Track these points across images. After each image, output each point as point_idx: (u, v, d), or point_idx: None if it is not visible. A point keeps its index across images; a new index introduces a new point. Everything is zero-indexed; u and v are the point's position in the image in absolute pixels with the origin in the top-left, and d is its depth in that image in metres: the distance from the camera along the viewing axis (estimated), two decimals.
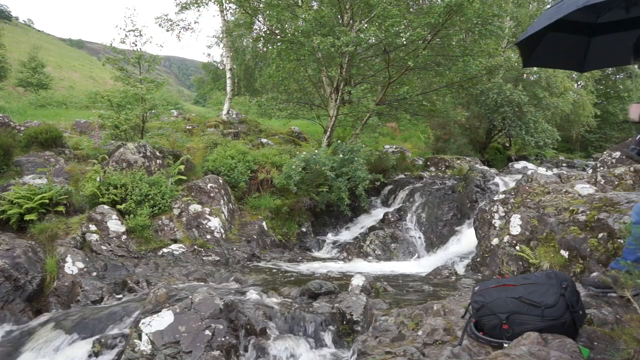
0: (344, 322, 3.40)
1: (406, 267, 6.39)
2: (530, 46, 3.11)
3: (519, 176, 7.63)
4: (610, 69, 27.41)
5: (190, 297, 3.24)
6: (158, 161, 7.26)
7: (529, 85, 16.02)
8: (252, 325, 3.22)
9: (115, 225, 5.80)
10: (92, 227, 5.66)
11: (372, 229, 7.97)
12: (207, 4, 13.09)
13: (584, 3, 2.34)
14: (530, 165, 10.35)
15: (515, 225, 5.13)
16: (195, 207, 6.61)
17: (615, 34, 2.98)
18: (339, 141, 9.33)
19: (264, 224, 7.47)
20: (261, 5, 11.02)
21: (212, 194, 7.09)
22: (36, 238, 5.29)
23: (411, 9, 10.97)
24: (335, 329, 3.35)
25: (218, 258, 6.02)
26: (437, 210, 8.08)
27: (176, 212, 6.51)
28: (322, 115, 12.16)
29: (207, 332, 2.95)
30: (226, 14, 13.80)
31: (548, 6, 2.50)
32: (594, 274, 3.13)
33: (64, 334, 3.56)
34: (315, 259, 6.98)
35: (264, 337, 3.19)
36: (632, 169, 5.39)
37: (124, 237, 5.77)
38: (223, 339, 2.95)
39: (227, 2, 12.87)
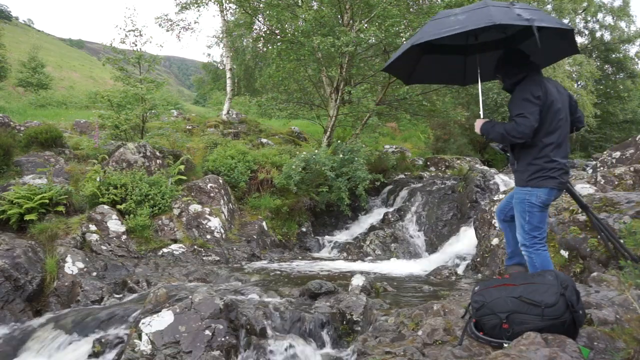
0: (344, 322, 3.40)
1: (406, 267, 6.39)
2: (406, 69, 3.50)
3: None
4: (610, 69, 27.46)
5: (190, 297, 3.24)
6: (158, 161, 7.26)
7: None
8: (252, 325, 3.22)
9: (115, 225, 5.80)
10: (92, 227, 5.66)
11: (372, 229, 7.97)
12: (207, 4, 13.09)
13: (413, 42, 2.79)
14: None
15: None
16: (195, 207, 6.61)
17: (485, 53, 3.33)
18: (339, 141, 9.33)
19: (264, 224, 7.47)
20: (261, 5, 11.03)
21: (212, 194, 7.09)
22: (36, 238, 5.29)
23: (411, 9, 10.95)
24: (335, 329, 3.35)
25: (218, 258, 6.02)
26: (437, 210, 8.07)
27: (176, 212, 6.51)
28: (322, 115, 12.16)
29: (207, 332, 2.95)
30: (226, 14, 13.80)
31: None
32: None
33: (64, 334, 3.56)
34: (315, 259, 6.97)
35: (264, 337, 3.18)
36: (632, 169, 5.39)
37: (124, 237, 5.77)
38: (223, 339, 2.95)
39: (227, 2, 12.88)
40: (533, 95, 2.82)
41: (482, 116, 3.18)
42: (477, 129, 3.08)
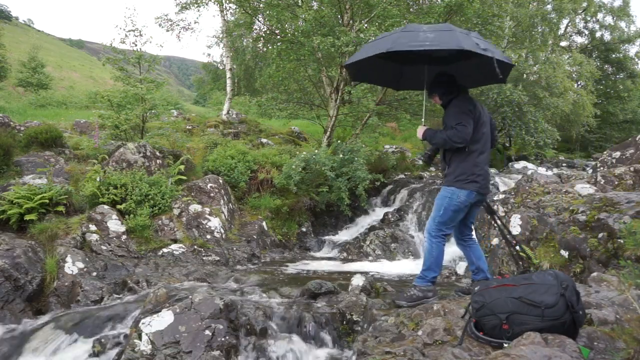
0: (344, 322, 3.40)
1: (406, 267, 6.38)
2: (357, 66, 3.77)
3: (519, 176, 7.63)
4: (610, 69, 27.48)
5: (190, 297, 3.24)
6: (158, 161, 7.26)
7: (529, 85, 16.03)
8: (252, 325, 3.23)
9: (115, 225, 5.80)
10: (92, 227, 5.66)
11: (372, 229, 7.96)
12: (207, 4, 13.09)
13: (388, 48, 3.06)
14: (530, 165, 10.36)
15: (515, 225, 5.13)
16: (195, 207, 6.61)
17: (420, 66, 3.71)
18: (339, 141, 9.33)
19: (264, 224, 7.47)
20: (261, 5, 11.04)
21: (212, 194, 7.09)
22: (36, 238, 5.29)
23: (411, 9, 10.96)
24: (335, 329, 3.35)
25: (218, 258, 6.01)
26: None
27: (176, 212, 6.51)
28: (322, 115, 12.16)
29: (207, 332, 2.95)
30: (226, 14, 13.80)
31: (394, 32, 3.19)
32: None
33: (64, 334, 3.56)
34: (315, 259, 6.97)
35: (264, 337, 3.19)
36: (632, 169, 5.39)
37: (124, 237, 5.77)
38: (223, 339, 2.95)
39: (227, 2, 12.87)
40: (468, 109, 3.34)
41: (423, 123, 3.65)
42: (420, 135, 3.53)
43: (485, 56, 3.10)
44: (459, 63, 3.72)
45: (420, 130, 3.55)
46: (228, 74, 13.41)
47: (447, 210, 3.44)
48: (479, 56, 3.21)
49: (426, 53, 3.49)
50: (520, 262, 3.68)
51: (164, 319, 3.01)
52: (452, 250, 6.84)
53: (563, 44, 26.80)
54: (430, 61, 3.63)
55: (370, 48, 3.39)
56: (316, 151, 8.32)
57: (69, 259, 4.92)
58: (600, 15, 27.15)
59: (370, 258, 6.99)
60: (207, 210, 6.68)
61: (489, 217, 5.83)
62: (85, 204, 6.21)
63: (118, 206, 6.10)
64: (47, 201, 5.63)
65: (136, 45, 8.79)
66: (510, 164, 11.53)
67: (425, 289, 3.55)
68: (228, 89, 13.51)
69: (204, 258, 5.92)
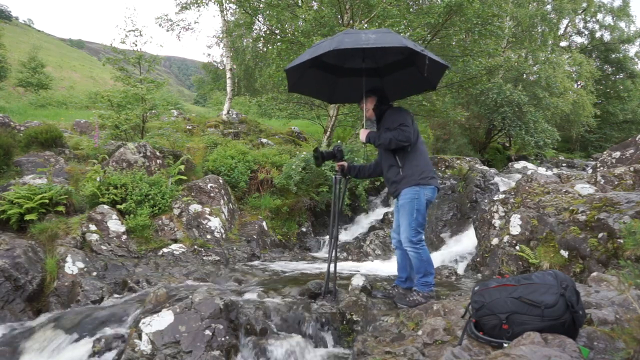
0: (344, 322, 3.40)
1: None
2: (296, 76, 3.87)
3: (519, 176, 7.63)
4: (610, 69, 27.48)
5: (190, 297, 3.24)
6: (158, 161, 7.26)
7: (529, 85, 16.02)
8: (252, 325, 3.23)
9: (115, 225, 5.80)
10: (92, 227, 5.66)
11: (372, 229, 7.96)
12: (207, 4, 13.09)
13: (334, 47, 3.10)
14: (530, 165, 10.35)
15: (515, 225, 5.14)
16: (195, 207, 6.61)
17: (356, 78, 3.89)
18: (339, 141, 9.33)
19: (264, 224, 7.47)
20: (261, 5, 11.03)
21: (212, 194, 7.09)
22: (36, 238, 5.29)
23: (411, 9, 10.96)
24: (335, 329, 3.35)
25: (218, 258, 6.02)
26: (437, 210, 8.07)
27: (176, 212, 6.51)
28: (322, 115, 12.16)
29: (207, 332, 2.95)
30: (226, 14, 13.80)
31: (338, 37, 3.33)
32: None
33: (64, 334, 3.56)
34: (315, 259, 6.97)
35: (264, 337, 3.19)
36: (632, 169, 5.39)
37: (124, 237, 5.77)
38: (223, 339, 2.95)
39: (227, 2, 12.87)
40: (408, 116, 3.57)
41: (364, 127, 3.76)
42: (362, 138, 3.67)
43: (418, 64, 3.33)
44: (394, 74, 3.96)
45: (363, 133, 3.66)
46: (228, 74, 13.41)
47: (419, 211, 3.52)
48: (411, 64, 3.52)
49: (362, 67, 3.68)
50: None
51: (164, 319, 3.01)
52: (452, 250, 6.86)
53: (563, 44, 26.82)
54: (367, 73, 3.79)
55: (313, 51, 3.40)
56: None
57: (69, 259, 4.92)
58: (600, 16, 27.16)
59: (370, 258, 6.99)
60: (207, 210, 6.69)
61: (488, 217, 5.84)
62: (85, 204, 6.21)
63: (118, 206, 6.10)
64: (47, 201, 5.63)
65: (136, 45, 8.78)
66: (510, 164, 11.51)
67: (428, 295, 3.56)
68: (228, 89, 13.51)
69: (204, 258, 5.93)
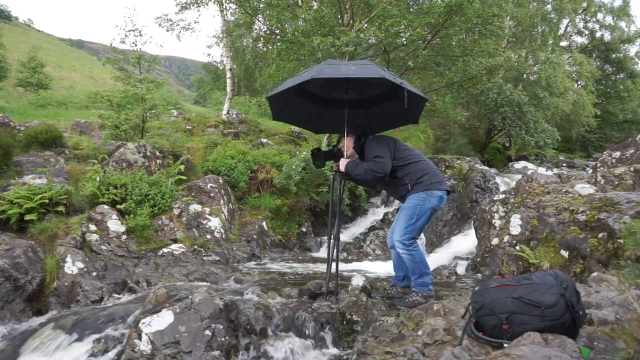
0: (344, 322, 3.40)
1: None
2: (280, 104, 3.92)
3: (519, 176, 7.63)
4: (610, 69, 27.48)
5: (190, 297, 3.24)
6: (158, 161, 7.26)
7: (529, 85, 16.01)
8: (252, 325, 3.22)
9: (115, 225, 5.80)
10: (92, 227, 5.66)
11: (372, 229, 7.96)
12: (207, 4, 13.08)
13: (314, 75, 3.13)
14: (530, 165, 10.36)
15: (515, 225, 5.14)
16: (195, 207, 6.61)
17: (341, 110, 3.86)
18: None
19: (264, 224, 7.46)
20: (261, 5, 11.03)
21: (212, 194, 7.09)
22: (36, 238, 5.29)
23: (411, 9, 10.95)
24: (335, 329, 3.35)
25: (218, 258, 6.01)
26: (437, 210, 8.07)
27: (176, 212, 6.51)
28: None
29: (207, 332, 2.95)
30: (226, 14, 13.79)
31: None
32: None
33: (64, 334, 3.55)
34: (315, 259, 6.97)
35: (263, 337, 3.18)
36: (632, 169, 5.39)
37: (124, 237, 5.77)
38: (223, 339, 2.95)
39: (227, 2, 12.87)
40: (385, 144, 3.61)
41: (345, 156, 3.78)
42: (342, 168, 3.69)
43: (400, 96, 3.32)
44: (379, 106, 4.01)
45: (342, 163, 3.70)
46: (228, 74, 13.41)
47: (420, 217, 3.57)
48: (395, 96, 3.55)
49: (345, 98, 3.71)
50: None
51: (164, 319, 3.01)
52: (452, 250, 6.86)
53: (563, 44, 26.79)
54: (351, 104, 3.81)
55: (295, 80, 3.44)
56: None
57: (69, 259, 4.92)
58: (600, 16, 27.15)
59: (370, 258, 6.99)
60: (207, 210, 6.68)
61: (488, 217, 5.84)
62: (85, 204, 6.21)
63: (118, 206, 6.10)
64: (47, 201, 5.63)
65: (136, 45, 8.78)
66: (510, 164, 11.52)
67: (427, 294, 3.59)
68: (228, 89, 13.50)
69: (204, 258, 5.93)
